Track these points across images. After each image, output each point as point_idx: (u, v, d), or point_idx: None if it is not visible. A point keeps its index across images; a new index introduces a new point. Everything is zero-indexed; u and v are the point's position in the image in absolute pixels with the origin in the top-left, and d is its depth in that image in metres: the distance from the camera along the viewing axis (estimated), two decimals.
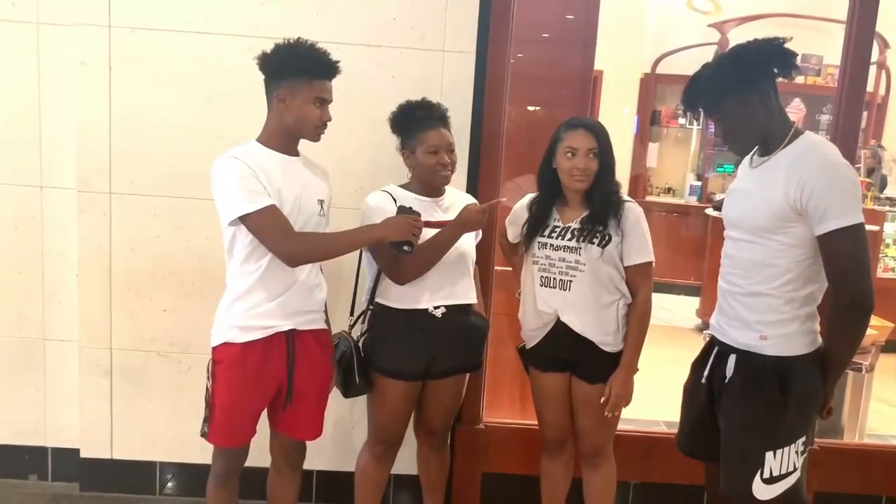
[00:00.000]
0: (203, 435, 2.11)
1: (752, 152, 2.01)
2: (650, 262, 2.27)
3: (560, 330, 2.30)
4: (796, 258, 1.85)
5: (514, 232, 2.45)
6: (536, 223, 2.33)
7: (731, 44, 2.03)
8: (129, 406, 2.85)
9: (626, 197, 2.30)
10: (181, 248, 2.72)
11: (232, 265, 2.08)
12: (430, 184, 2.31)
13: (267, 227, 1.95)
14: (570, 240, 2.26)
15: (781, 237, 1.85)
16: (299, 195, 2.04)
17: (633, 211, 2.27)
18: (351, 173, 2.61)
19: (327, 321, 2.28)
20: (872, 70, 6.43)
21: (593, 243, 2.23)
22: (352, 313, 2.43)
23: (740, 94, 1.87)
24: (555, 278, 2.28)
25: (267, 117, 2.07)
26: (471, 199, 2.42)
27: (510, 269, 2.60)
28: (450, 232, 2.22)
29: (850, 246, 1.77)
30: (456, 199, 2.39)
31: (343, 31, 2.63)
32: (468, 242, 2.34)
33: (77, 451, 2.90)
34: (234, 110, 2.54)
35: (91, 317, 2.78)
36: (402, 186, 2.34)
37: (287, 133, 2.05)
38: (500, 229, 2.60)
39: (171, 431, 2.85)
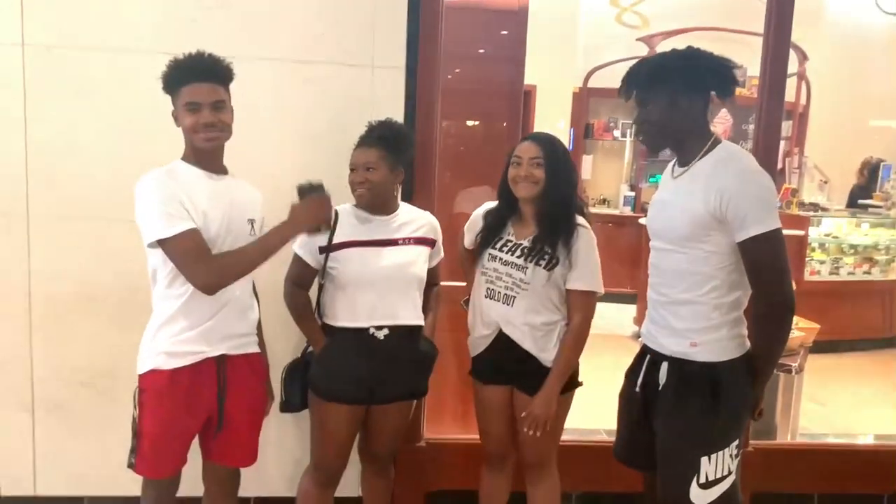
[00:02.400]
0: (130, 466, 2.03)
1: (672, 162, 2.05)
2: (594, 292, 2.27)
3: (502, 341, 2.30)
4: (719, 265, 1.89)
5: (470, 238, 2.45)
6: (490, 234, 2.33)
7: None
8: (52, 439, 2.72)
9: (580, 221, 2.28)
10: (105, 273, 2.62)
11: (157, 289, 2.01)
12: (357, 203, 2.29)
13: (181, 254, 1.88)
14: (518, 257, 2.26)
15: (704, 245, 1.88)
16: (227, 214, 1.98)
17: (584, 237, 2.26)
18: (281, 191, 2.53)
19: (261, 343, 2.22)
20: (794, 81, 6.70)
21: (540, 265, 2.23)
22: None
23: (672, 92, 1.90)
24: (499, 292, 2.28)
25: None
26: (428, 217, 2.40)
27: (451, 284, 2.59)
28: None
29: (769, 251, 1.82)
30: (412, 216, 2.36)
31: (271, 48, 2.59)
32: (418, 265, 2.30)
33: None
34: (159, 131, 2.46)
35: (10, 347, 2.65)
36: (354, 205, 2.31)
37: (195, 149, 2.00)
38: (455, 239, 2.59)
39: (99, 464, 2.72)
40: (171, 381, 1.97)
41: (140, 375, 2.01)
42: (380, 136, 2.27)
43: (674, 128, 1.94)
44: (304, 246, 2.24)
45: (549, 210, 2.25)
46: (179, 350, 1.98)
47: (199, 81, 1.95)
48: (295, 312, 2.28)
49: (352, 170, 2.26)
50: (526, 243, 2.27)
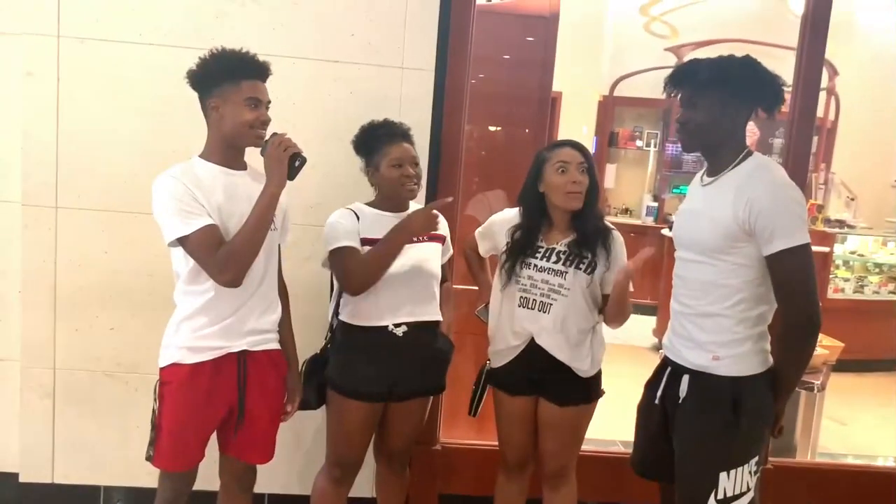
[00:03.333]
0: (149, 458, 2.04)
1: (700, 172, 2.03)
2: (631, 292, 2.23)
3: (533, 351, 2.26)
4: (746, 278, 1.87)
5: (486, 246, 2.43)
6: (521, 248, 2.27)
7: None
8: (72, 428, 2.74)
9: (609, 225, 2.29)
10: (130, 265, 2.65)
11: (179, 285, 2.02)
12: (396, 198, 2.28)
13: (200, 250, 1.89)
14: (555, 262, 2.23)
15: (731, 257, 1.86)
16: (247, 211, 1.97)
17: (618, 240, 2.28)
18: (306, 189, 2.57)
19: (291, 339, 2.23)
20: (823, 96, 6.63)
21: (580, 269, 2.21)
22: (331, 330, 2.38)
23: (725, 97, 1.88)
24: (535, 300, 2.25)
25: (207, 132, 2.02)
26: (437, 216, 2.40)
27: (468, 287, 2.58)
28: (395, 235, 2.17)
29: (796, 266, 1.79)
30: None
31: (300, 47, 2.61)
32: (434, 261, 2.31)
33: (16, 475, 2.78)
34: (187, 124, 2.47)
35: (34, 335, 2.68)
36: (368, 204, 2.31)
37: (227, 144, 2.00)
38: (462, 245, 2.58)
39: (117, 454, 2.75)
40: (192, 375, 1.98)
41: (161, 369, 2.02)
42: (405, 134, 2.30)
43: (716, 133, 1.91)
44: (341, 238, 2.19)
45: (588, 215, 2.23)
46: (201, 345, 1.99)
47: (258, 79, 1.98)
48: (375, 265, 2.18)
49: (396, 165, 2.23)
50: (561, 248, 2.24)
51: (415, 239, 2.26)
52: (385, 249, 2.18)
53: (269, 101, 2.01)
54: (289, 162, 1.95)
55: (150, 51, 2.57)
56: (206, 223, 1.89)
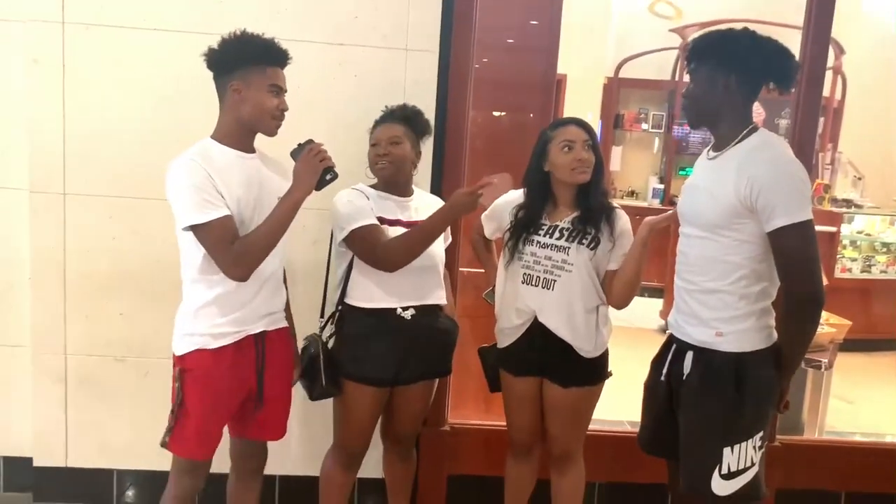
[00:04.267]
0: (164, 445, 2.01)
1: (707, 147, 2.02)
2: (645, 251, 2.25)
3: (536, 330, 2.28)
4: (749, 254, 1.87)
5: (491, 227, 2.44)
6: (526, 222, 2.29)
7: None
8: (84, 412, 2.78)
9: (614, 203, 2.31)
10: (138, 251, 2.67)
11: (190, 271, 1.99)
12: (378, 179, 2.30)
13: (213, 241, 1.89)
14: (558, 238, 2.24)
15: (733, 233, 1.86)
16: (259, 196, 1.99)
17: (623, 217, 2.28)
18: None
19: (290, 319, 2.24)
20: (829, 75, 6.58)
21: (583, 244, 2.22)
22: (322, 315, 2.39)
23: (718, 67, 1.87)
24: (538, 276, 2.25)
25: (221, 113, 2.01)
26: (438, 202, 2.40)
27: (475, 270, 2.59)
28: (441, 215, 2.18)
29: (798, 242, 1.79)
30: (426, 201, 2.38)
31: (304, 30, 2.60)
32: (438, 245, 2.32)
33: (30, 459, 2.82)
34: (194, 110, 2.47)
35: (44, 321, 2.70)
36: (372, 186, 2.32)
37: (243, 127, 1.99)
38: (469, 230, 2.58)
39: (129, 438, 2.78)
40: (216, 360, 1.98)
41: (182, 356, 2.00)
42: (403, 116, 2.31)
43: (710, 106, 1.92)
44: (358, 217, 2.18)
45: (593, 191, 2.24)
46: (223, 330, 1.99)
47: (281, 67, 1.99)
48: (418, 244, 2.19)
49: (374, 144, 2.28)
50: (564, 225, 2.25)
51: (420, 223, 2.27)
52: (430, 227, 2.18)
53: (287, 90, 2.02)
54: (321, 173, 1.96)
55: (155, 36, 2.58)
56: (223, 214, 1.88)
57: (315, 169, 1.95)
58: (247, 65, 1.94)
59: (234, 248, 1.89)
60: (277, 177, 2.09)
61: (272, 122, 1.98)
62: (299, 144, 1.99)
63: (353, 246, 2.23)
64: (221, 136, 2.00)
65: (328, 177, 1.98)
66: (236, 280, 1.93)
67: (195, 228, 1.88)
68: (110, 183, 2.64)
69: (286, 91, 2.01)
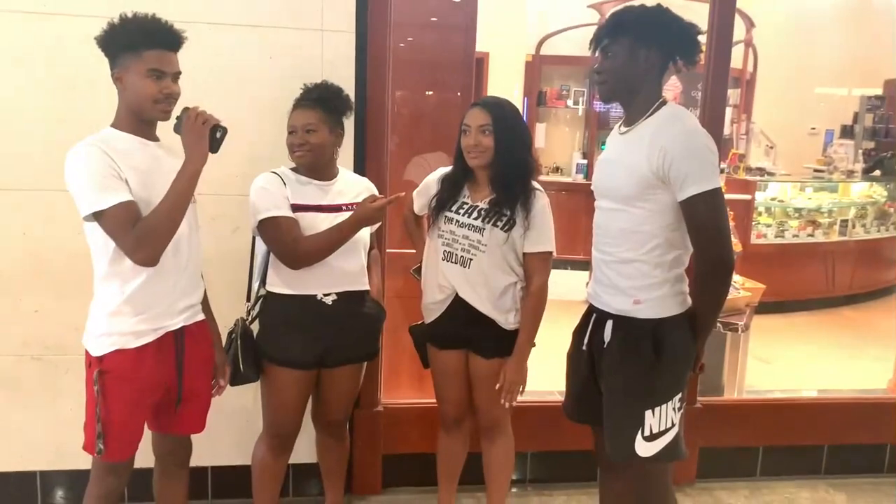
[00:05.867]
0: (100, 453, 1.94)
1: (619, 123, 2.08)
2: (550, 252, 2.31)
3: (458, 305, 2.32)
4: (661, 224, 1.93)
5: (420, 203, 2.46)
6: (446, 198, 2.33)
7: None
8: (2, 414, 2.67)
9: (536, 185, 2.32)
10: (50, 245, 2.56)
11: (101, 266, 1.91)
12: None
13: (116, 226, 1.80)
14: (475, 219, 2.27)
15: (647, 204, 1.92)
16: (164, 182, 1.88)
17: (541, 200, 2.30)
18: (229, 158, 2.49)
19: (210, 313, 2.20)
20: (741, 48, 6.80)
21: (497, 226, 2.25)
22: (248, 299, 2.36)
23: (633, 44, 1.92)
24: (456, 254, 2.30)
25: (118, 102, 1.94)
26: (366, 183, 2.40)
27: (402, 251, 2.60)
28: (349, 224, 2.19)
29: (709, 210, 1.86)
30: (350, 182, 2.36)
31: (216, 11, 2.54)
32: (362, 231, 2.30)
33: None
34: (100, 97, 2.40)
35: None
36: (293, 170, 2.29)
37: (134, 115, 1.91)
38: (398, 211, 2.59)
39: (51, 438, 2.69)
40: (138, 360, 1.92)
41: (100, 357, 1.91)
42: (319, 98, 2.25)
43: (627, 81, 1.96)
44: (272, 207, 2.17)
45: (503, 174, 2.26)
46: (145, 328, 1.92)
47: (165, 49, 1.88)
48: (326, 250, 2.20)
49: (290, 132, 2.24)
50: (483, 205, 2.29)
51: (343, 208, 2.27)
52: (339, 235, 2.19)
53: (179, 72, 1.92)
54: (210, 134, 1.89)
55: (56, 21, 2.47)
56: (124, 198, 1.80)
57: (201, 133, 1.87)
58: (125, 51, 1.85)
59: (134, 230, 1.80)
60: (179, 162, 1.98)
61: (156, 106, 1.89)
62: (177, 118, 1.91)
63: (263, 235, 2.22)
64: (119, 124, 1.93)
65: (218, 134, 1.90)
66: (142, 264, 1.84)
67: (97, 215, 1.80)
68: (15, 175, 2.52)
69: (172, 73, 1.90)
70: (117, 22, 1.87)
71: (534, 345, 2.37)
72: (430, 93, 3.40)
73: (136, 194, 1.84)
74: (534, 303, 2.31)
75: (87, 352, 1.96)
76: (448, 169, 2.40)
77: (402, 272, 2.78)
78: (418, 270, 2.51)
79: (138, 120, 1.93)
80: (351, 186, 2.34)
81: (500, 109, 2.27)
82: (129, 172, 1.84)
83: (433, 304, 2.39)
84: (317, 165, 2.27)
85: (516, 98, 7.10)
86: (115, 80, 1.89)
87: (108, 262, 1.89)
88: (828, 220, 6.27)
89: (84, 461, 2.04)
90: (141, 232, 1.81)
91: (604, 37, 1.98)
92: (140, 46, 1.85)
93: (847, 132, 7.38)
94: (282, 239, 2.17)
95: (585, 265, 6.17)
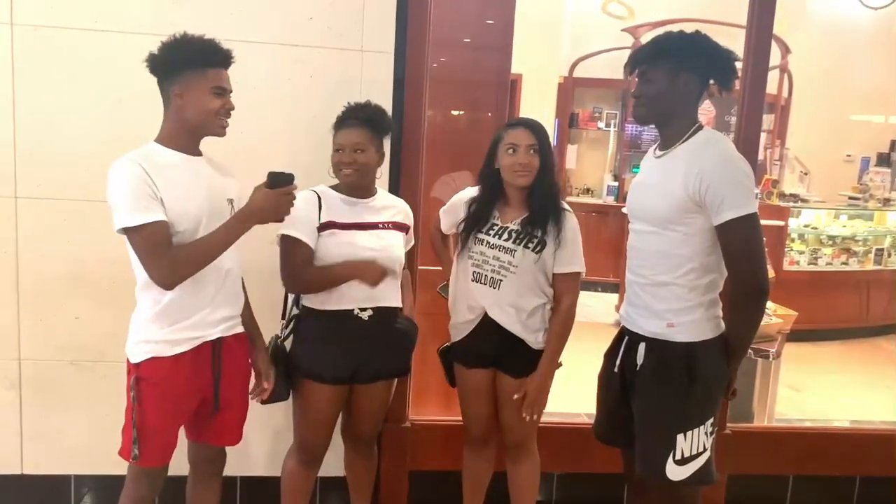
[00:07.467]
0: (134, 458, 1.98)
1: (653, 146, 2.09)
2: (579, 273, 2.33)
3: (487, 325, 2.33)
4: (697, 248, 1.94)
5: (448, 222, 2.48)
6: (475, 220, 2.35)
7: None
8: (40, 418, 2.73)
9: (565, 206, 2.34)
10: (93, 254, 2.63)
11: (144, 274, 1.94)
12: (342, 184, 2.30)
13: (142, 246, 1.85)
14: (506, 240, 2.29)
15: (683, 228, 1.93)
16: (207, 196, 1.97)
17: (571, 221, 2.32)
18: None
19: (253, 321, 2.24)
20: (776, 74, 6.77)
21: (528, 248, 2.27)
22: (283, 317, 2.39)
23: (672, 69, 1.95)
24: (486, 275, 2.31)
25: (165, 117, 1.99)
26: (402, 204, 2.43)
27: (433, 268, 2.62)
28: (344, 272, 2.21)
29: (744, 234, 1.87)
30: (389, 202, 2.39)
31: (258, 31, 2.60)
32: (398, 248, 2.33)
33: None
34: (148, 111, 2.46)
35: None
36: (332, 187, 2.32)
37: (188, 131, 1.97)
38: (428, 227, 2.62)
39: (87, 443, 2.75)
40: (174, 368, 1.96)
41: (137, 364, 1.97)
42: (367, 118, 2.28)
43: (666, 105, 1.98)
44: (297, 226, 2.19)
45: (540, 195, 2.28)
46: (180, 337, 1.96)
47: (223, 67, 1.97)
48: (324, 285, 2.24)
49: (337, 149, 2.27)
50: (514, 226, 2.30)
51: (380, 226, 2.30)
52: (331, 278, 2.22)
53: (232, 90, 2.01)
54: (278, 177, 1.94)
55: (106, 37, 2.55)
56: (155, 219, 1.84)
57: (281, 212, 1.95)
58: (186, 68, 1.92)
59: (170, 253, 1.85)
60: (225, 178, 2.07)
61: (217, 123, 1.97)
62: (283, 174, 1.95)
63: (281, 250, 2.26)
64: (165, 140, 1.98)
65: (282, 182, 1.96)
66: (160, 286, 1.88)
67: (127, 231, 1.85)
68: (63, 186, 2.60)
69: (230, 91, 2.00)
70: (174, 42, 1.94)
71: (560, 364, 2.38)
72: (462, 112, 3.44)
73: (172, 207, 1.89)
74: (562, 321, 2.32)
75: (127, 359, 2.01)
76: (474, 190, 2.41)
77: (430, 289, 2.81)
78: (445, 288, 2.53)
79: (188, 135, 1.99)
80: (390, 206, 2.37)
81: (542, 130, 2.31)
82: (167, 187, 1.88)
83: (462, 324, 2.40)
84: (360, 184, 2.30)
85: (546, 119, 7.12)
86: (174, 96, 1.94)
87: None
88: (863, 249, 6.17)
89: (118, 467, 2.08)
90: (180, 259, 1.87)
91: (643, 61, 2.00)
92: (204, 65, 1.93)
93: (883, 160, 7.28)
94: (287, 260, 2.22)
95: (614, 287, 6.17)
